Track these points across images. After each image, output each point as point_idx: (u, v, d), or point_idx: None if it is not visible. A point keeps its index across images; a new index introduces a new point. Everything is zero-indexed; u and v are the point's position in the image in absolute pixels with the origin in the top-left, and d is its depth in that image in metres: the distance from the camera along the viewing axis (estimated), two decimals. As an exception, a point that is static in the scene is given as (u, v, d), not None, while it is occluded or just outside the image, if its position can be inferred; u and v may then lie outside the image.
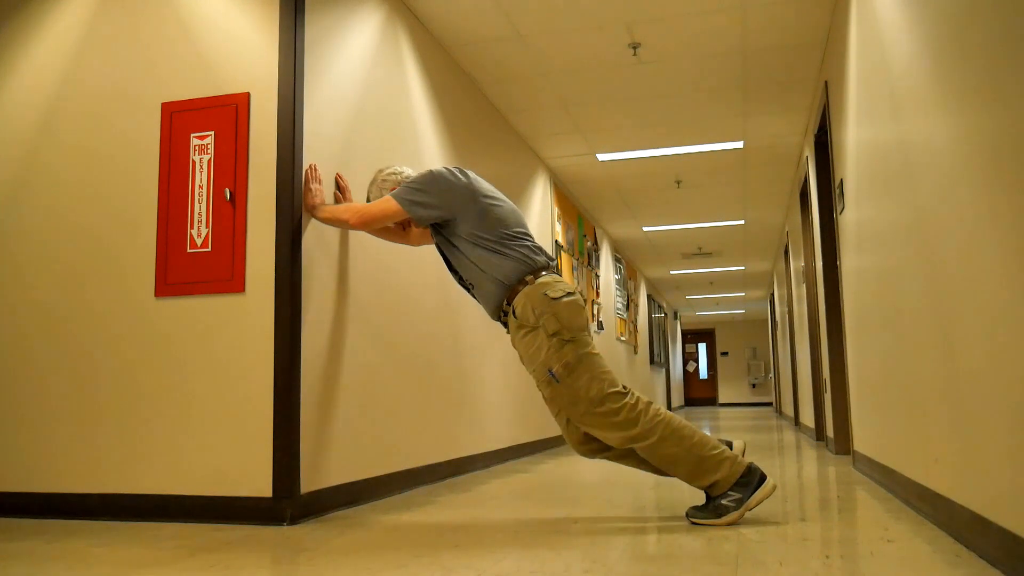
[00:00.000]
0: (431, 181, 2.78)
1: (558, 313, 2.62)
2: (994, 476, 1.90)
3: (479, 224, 2.73)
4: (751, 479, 2.56)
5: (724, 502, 2.55)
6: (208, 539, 2.48)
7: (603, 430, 2.62)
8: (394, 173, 3.02)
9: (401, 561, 2.10)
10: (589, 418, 2.62)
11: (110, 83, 3.13)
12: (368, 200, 3.09)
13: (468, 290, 2.86)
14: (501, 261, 2.70)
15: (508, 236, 2.74)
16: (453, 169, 2.80)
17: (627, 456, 2.75)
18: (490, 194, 2.81)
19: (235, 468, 2.81)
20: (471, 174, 2.83)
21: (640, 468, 2.76)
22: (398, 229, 3.15)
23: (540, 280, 2.68)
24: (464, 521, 2.77)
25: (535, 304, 2.63)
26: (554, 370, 2.60)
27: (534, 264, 2.71)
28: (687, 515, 2.63)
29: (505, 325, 2.76)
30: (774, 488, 2.58)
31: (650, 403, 2.67)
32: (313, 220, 2.98)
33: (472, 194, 2.76)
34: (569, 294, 2.67)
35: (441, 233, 2.83)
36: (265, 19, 2.98)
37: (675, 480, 3.89)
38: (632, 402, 2.62)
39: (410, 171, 3.05)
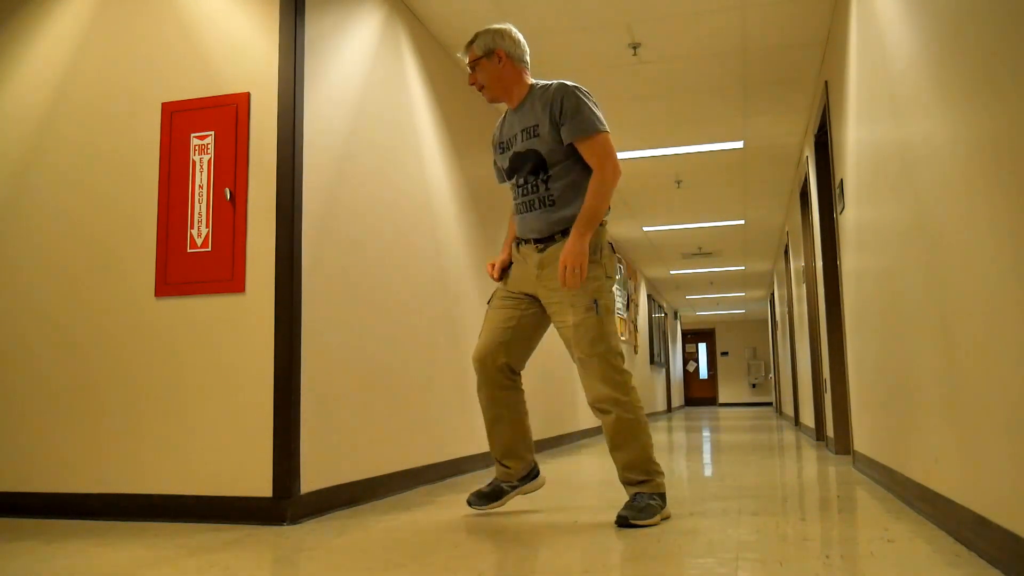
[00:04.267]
0: (589, 95, 2.69)
1: (610, 267, 2.70)
2: (995, 476, 1.90)
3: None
4: (664, 498, 2.68)
5: (651, 502, 2.60)
6: (208, 539, 2.48)
7: (598, 380, 2.60)
8: (506, 35, 2.78)
9: (401, 561, 2.10)
10: (598, 361, 2.60)
11: (110, 83, 3.13)
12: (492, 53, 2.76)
13: (527, 196, 2.73)
14: None
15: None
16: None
17: (507, 422, 2.82)
18: None
19: (235, 468, 2.81)
20: None
21: (500, 438, 2.83)
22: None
23: (605, 228, 2.73)
24: (464, 521, 2.77)
25: (603, 245, 2.68)
26: (600, 302, 2.62)
27: None
28: (620, 522, 2.55)
29: (545, 245, 2.69)
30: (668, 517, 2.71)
31: None
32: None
33: None
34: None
35: (564, 146, 2.67)
36: (265, 19, 2.98)
37: (675, 480, 3.89)
38: (631, 377, 2.70)
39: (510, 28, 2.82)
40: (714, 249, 11.25)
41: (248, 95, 2.95)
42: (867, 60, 3.31)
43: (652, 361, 14.09)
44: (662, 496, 2.64)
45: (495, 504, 2.88)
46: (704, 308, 19.55)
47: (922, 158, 2.44)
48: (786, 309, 10.15)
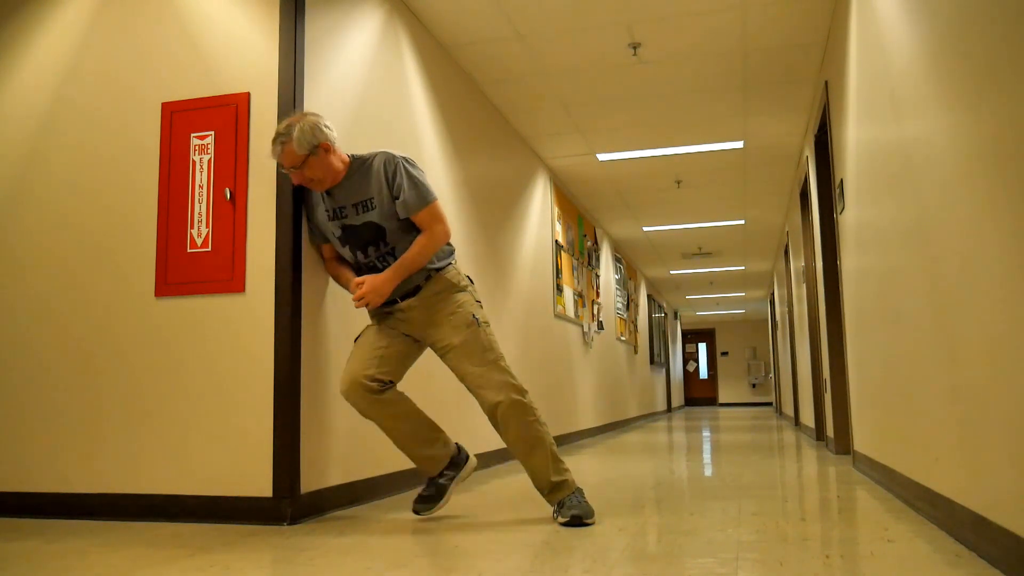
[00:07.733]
0: (416, 164, 2.80)
1: (475, 293, 2.89)
2: (996, 476, 1.90)
3: None
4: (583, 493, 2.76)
5: (583, 500, 2.68)
6: (208, 539, 2.48)
7: (496, 387, 2.68)
8: (321, 127, 2.69)
9: (401, 561, 2.10)
10: (494, 367, 2.71)
11: (110, 83, 3.13)
12: (293, 144, 2.64)
13: (373, 267, 2.78)
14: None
15: None
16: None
17: (400, 416, 2.77)
18: None
19: (235, 468, 2.81)
20: None
21: (404, 435, 2.79)
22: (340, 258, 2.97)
23: (455, 265, 2.88)
24: (464, 521, 2.77)
25: (462, 279, 2.85)
26: (479, 317, 2.78)
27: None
28: (563, 522, 2.63)
29: (413, 293, 2.75)
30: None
31: None
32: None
33: None
34: None
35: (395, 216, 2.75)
36: (265, 19, 2.98)
37: (675, 480, 3.89)
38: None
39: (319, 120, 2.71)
40: (714, 249, 11.25)
41: (248, 95, 2.95)
42: (867, 60, 3.31)
43: (652, 361, 14.10)
44: (581, 491, 2.73)
45: (441, 503, 2.83)
46: (704, 308, 19.55)
47: (923, 157, 2.44)
48: (786, 309, 10.15)
